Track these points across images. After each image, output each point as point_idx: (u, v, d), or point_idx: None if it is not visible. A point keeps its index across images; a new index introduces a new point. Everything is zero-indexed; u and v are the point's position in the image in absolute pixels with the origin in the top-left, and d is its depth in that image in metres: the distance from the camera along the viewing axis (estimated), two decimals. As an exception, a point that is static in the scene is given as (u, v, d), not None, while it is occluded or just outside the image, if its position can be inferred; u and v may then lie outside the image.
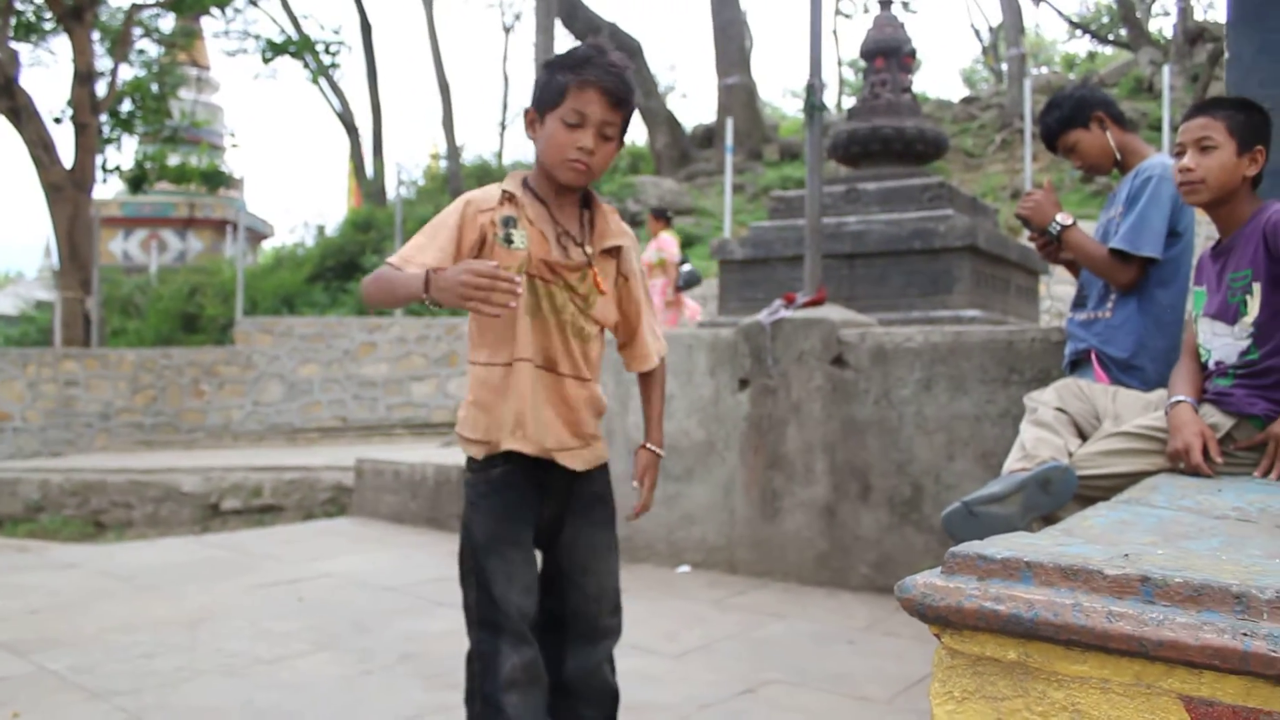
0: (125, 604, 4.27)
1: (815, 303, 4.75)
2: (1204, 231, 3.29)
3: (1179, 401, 2.55)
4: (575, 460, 2.16)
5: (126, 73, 17.70)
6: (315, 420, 13.02)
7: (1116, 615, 1.16)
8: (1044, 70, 32.59)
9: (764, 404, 4.70)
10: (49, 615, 4.06)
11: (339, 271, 17.43)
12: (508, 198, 2.11)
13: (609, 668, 2.21)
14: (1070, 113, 3.33)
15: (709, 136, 22.09)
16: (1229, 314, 2.57)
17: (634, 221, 18.56)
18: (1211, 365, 2.63)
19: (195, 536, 6.77)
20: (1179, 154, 2.59)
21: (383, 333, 13.15)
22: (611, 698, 2.21)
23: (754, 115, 21.51)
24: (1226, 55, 3.37)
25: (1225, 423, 2.51)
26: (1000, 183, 18.87)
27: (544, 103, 2.07)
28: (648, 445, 2.34)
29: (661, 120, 21.70)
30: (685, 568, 4.90)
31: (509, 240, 2.08)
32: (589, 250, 2.15)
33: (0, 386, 13.27)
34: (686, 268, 9.51)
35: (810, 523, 4.59)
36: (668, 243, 9.55)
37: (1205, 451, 2.43)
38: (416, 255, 2.01)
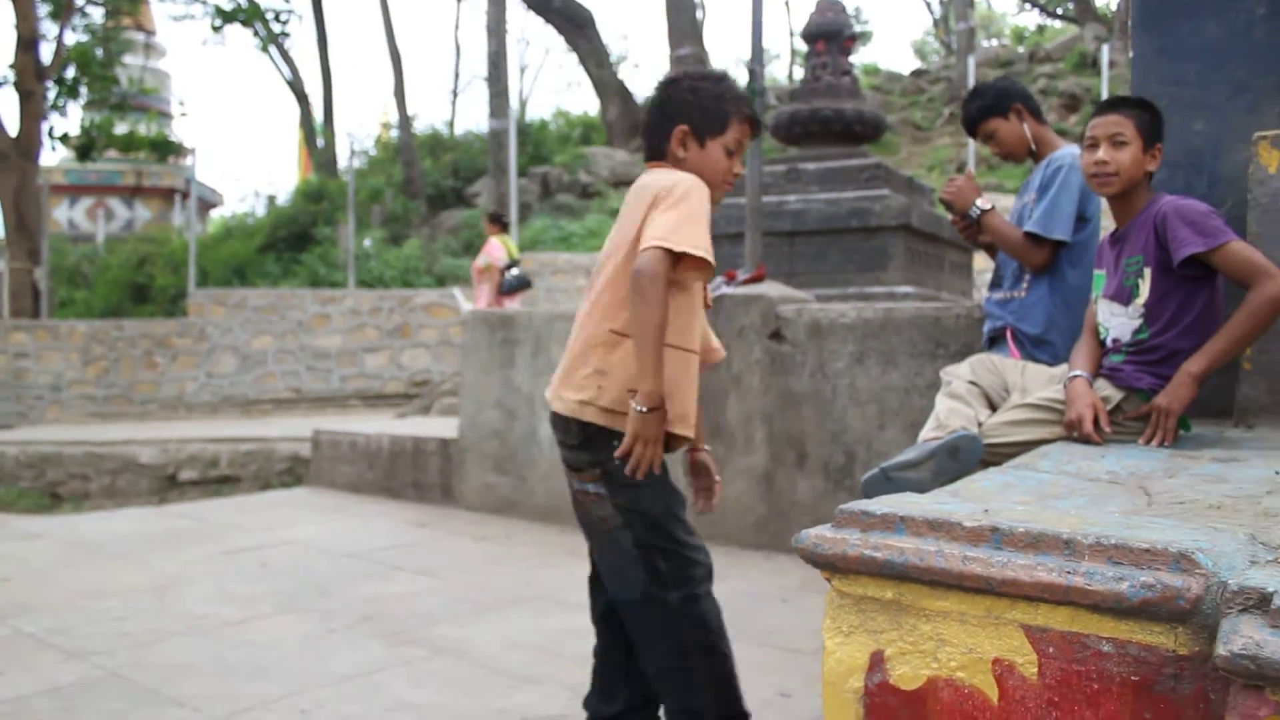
0: (94, 571, 4.43)
1: (755, 279, 4.98)
2: (1107, 222, 3.55)
3: (1075, 376, 2.81)
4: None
5: (71, 39, 17.48)
6: (269, 392, 13.10)
7: (970, 559, 1.40)
8: (994, 43, 33.00)
9: (704, 376, 4.91)
10: (20, 582, 4.22)
11: (290, 242, 17.41)
12: None
13: None
14: (992, 102, 3.57)
15: (661, 108, 22.18)
16: (1124, 295, 2.83)
17: (584, 192, 18.73)
18: (1109, 343, 2.89)
19: (156, 507, 6.90)
20: (1091, 146, 2.82)
21: (336, 304, 13.23)
22: None
23: (706, 87, 21.62)
24: (1131, 54, 3.62)
25: (1116, 395, 2.77)
26: (948, 155, 19.23)
27: (707, 128, 2.35)
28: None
29: (613, 91, 21.79)
30: (632, 532, 5.14)
31: None
32: None
33: (-51, 359, 13.21)
34: (514, 272, 10.04)
35: (750, 489, 4.85)
36: (495, 248, 10.08)
37: (1096, 422, 2.69)
38: (703, 240, 2.19)
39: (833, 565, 1.51)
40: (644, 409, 2.16)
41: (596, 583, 2.48)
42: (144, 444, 8.92)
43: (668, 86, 2.42)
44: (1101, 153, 2.76)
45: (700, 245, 2.17)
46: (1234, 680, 1.21)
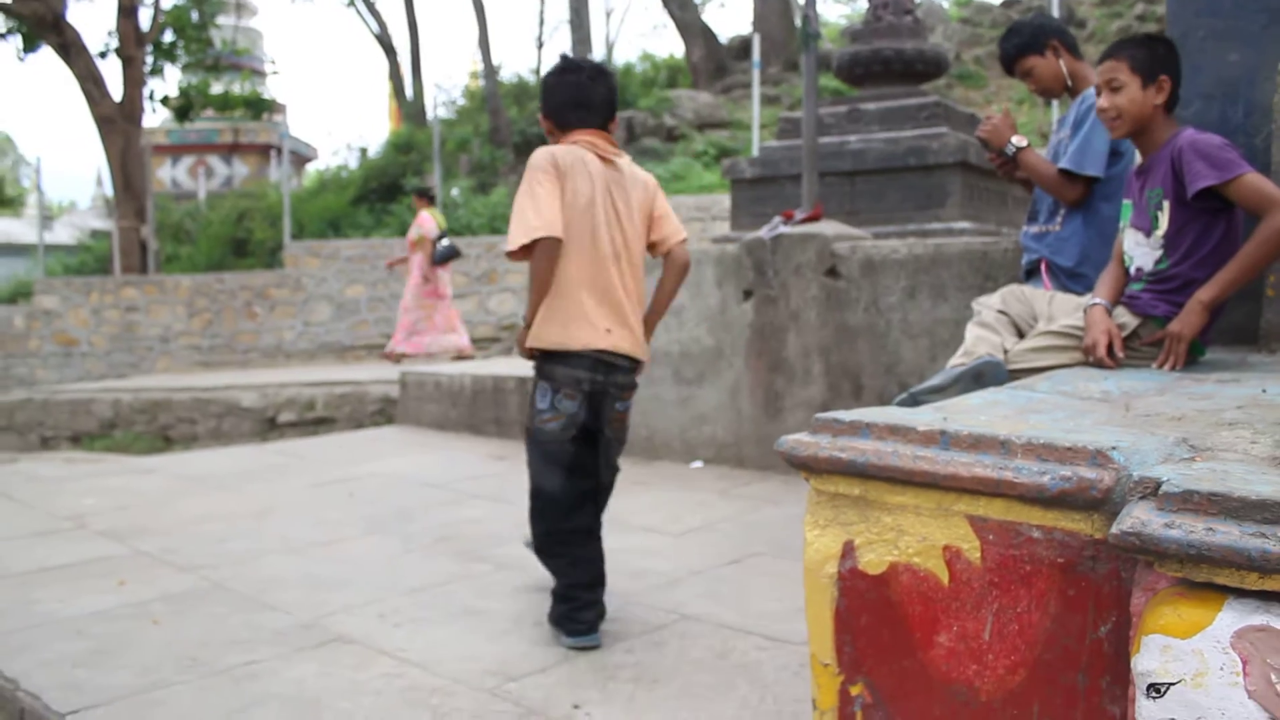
0: (200, 500, 4.86)
1: (812, 219, 5.14)
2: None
3: (1094, 304, 2.95)
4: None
5: (167, 3, 18.09)
6: (363, 338, 13.62)
7: (919, 458, 1.61)
8: (1093, -33, 31.76)
9: (766, 313, 5.13)
10: (137, 510, 4.65)
11: (381, 193, 17.88)
12: None
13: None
14: (1028, 39, 3.66)
15: (745, 48, 22.00)
16: (1145, 226, 2.95)
17: (669, 135, 18.79)
18: (1132, 271, 3.01)
19: (256, 445, 7.38)
20: (1098, 93, 2.95)
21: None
22: None
23: (790, 25, 21.39)
24: (1168, -15, 3.67)
25: (1132, 322, 2.91)
26: (1035, 87, 18.72)
27: None
28: None
29: (697, 32, 21.69)
30: (698, 463, 5.40)
31: None
32: None
33: (68, 314, 14.02)
34: (444, 243, 10.65)
35: (809, 420, 5.02)
36: (427, 220, 10.69)
37: (1111, 347, 2.84)
38: None
39: (807, 465, 1.73)
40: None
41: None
42: (245, 389, 9.45)
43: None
44: (1103, 99, 2.90)
45: None
46: (1135, 559, 1.41)
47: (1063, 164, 3.52)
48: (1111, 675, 1.49)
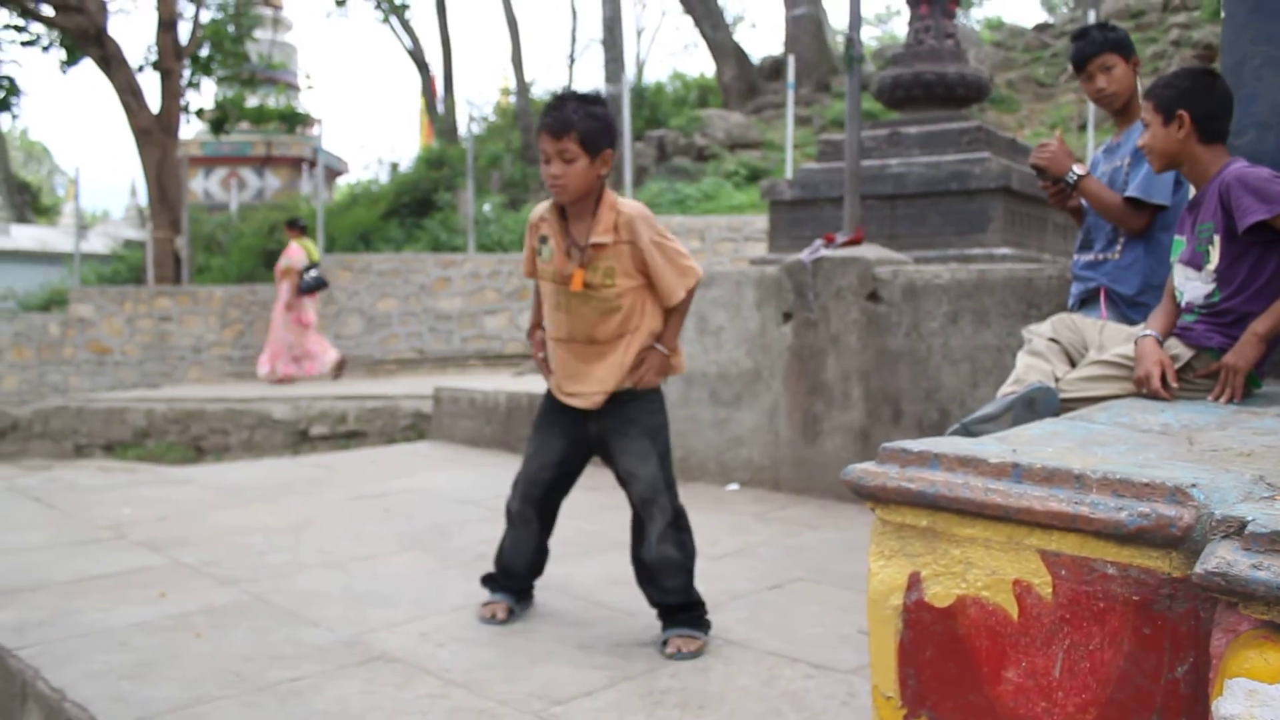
0: (237, 512, 4.87)
1: (853, 242, 5.12)
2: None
3: (1145, 335, 2.92)
4: (586, 401, 3.12)
5: (205, 17, 18.30)
6: (394, 352, 13.69)
7: (991, 490, 1.59)
8: (1129, -9, 31.66)
9: (805, 336, 5.11)
10: (175, 521, 4.67)
11: (413, 208, 18.00)
12: (541, 218, 3.12)
13: (670, 544, 3.05)
14: (1123, 37, 3.61)
15: (777, 68, 22.07)
16: (1197, 261, 2.92)
17: (700, 155, 18.83)
18: (1183, 305, 2.99)
19: (289, 458, 7.41)
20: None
21: (457, 268, 13.71)
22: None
23: (822, 46, 21.45)
24: (1223, 14, 3.64)
25: (1186, 354, 2.87)
26: (1069, 113, 18.70)
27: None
28: (655, 345, 3.14)
29: (729, 52, 21.77)
30: (734, 486, 5.37)
31: (540, 253, 3.12)
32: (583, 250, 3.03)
33: (102, 322, 14.17)
34: (312, 274, 11.45)
35: (847, 444, 5.02)
36: (295, 251, 11.46)
37: (1165, 379, 2.80)
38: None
39: (874, 496, 1.71)
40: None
41: None
42: (278, 401, 9.50)
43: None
44: (1140, 136, 2.94)
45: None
46: (1216, 599, 1.38)
47: (1130, 192, 3.47)
48: (1188, 717, 1.47)
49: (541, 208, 3.14)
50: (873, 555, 1.75)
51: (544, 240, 3.09)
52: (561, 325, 3.13)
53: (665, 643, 2.99)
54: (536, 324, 3.33)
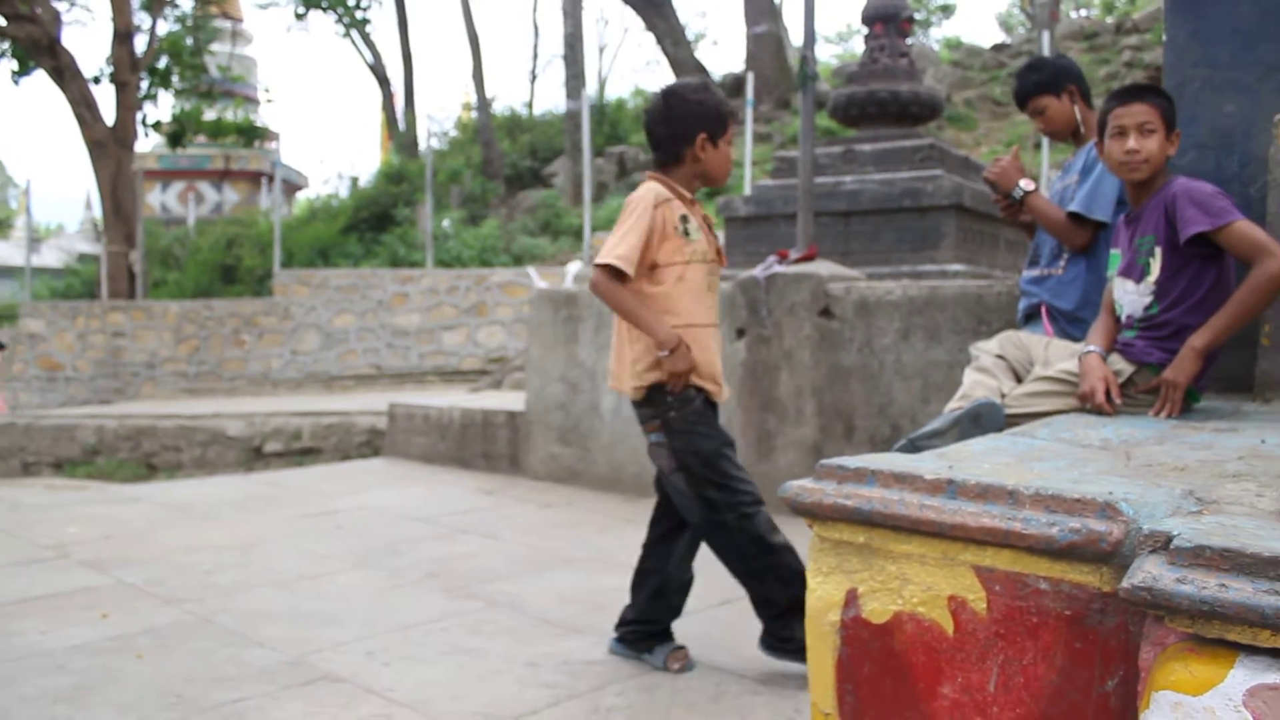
0: (185, 531, 4.80)
1: (807, 259, 5.15)
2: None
3: (1089, 351, 2.95)
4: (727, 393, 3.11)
5: (162, 29, 18.13)
6: (351, 368, 13.58)
7: (926, 506, 1.59)
8: (1083, 13, 32.21)
9: (759, 352, 5.13)
10: (121, 540, 4.60)
11: (372, 223, 17.89)
12: (665, 199, 2.89)
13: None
14: (1048, 78, 3.67)
15: (738, 85, 22.17)
16: (1136, 273, 2.96)
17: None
18: (1123, 319, 3.02)
19: (242, 475, 7.32)
20: (1118, 134, 2.94)
21: (414, 284, 13.64)
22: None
23: (783, 64, 21.59)
24: (1164, 37, 3.71)
25: (1127, 369, 2.91)
26: (1026, 131, 18.93)
27: (720, 131, 2.89)
28: None
29: (690, 69, 21.82)
30: (688, 502, 5.36)
31: (687, 233, 2.88)
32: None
33: (53, 338, 13.95)
34: None
35: (800, 460, 5.03)
36: None
37: (1109, 394, 2.84)
38: (626, 251, 2.77)
39: (811, 512, 1.71)
40: (664, 352, 2.78)
41: (658, 513, 3.08)
42: (232, 417, 9.39)
43: (675, 100, 2.85)
44: (1133, 142, 2.89)
45: (621, 256, 2.75)
46: (1145, 613, 1.39)
47: (1072, 207, 3.52)
48: (1118, 730, 1.47)
49: (653, 188, 2.88)
50: (810, 572, 1.75)
51: (685, 219, 2.88)
52: (712, 309, 2.97)
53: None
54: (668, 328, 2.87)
